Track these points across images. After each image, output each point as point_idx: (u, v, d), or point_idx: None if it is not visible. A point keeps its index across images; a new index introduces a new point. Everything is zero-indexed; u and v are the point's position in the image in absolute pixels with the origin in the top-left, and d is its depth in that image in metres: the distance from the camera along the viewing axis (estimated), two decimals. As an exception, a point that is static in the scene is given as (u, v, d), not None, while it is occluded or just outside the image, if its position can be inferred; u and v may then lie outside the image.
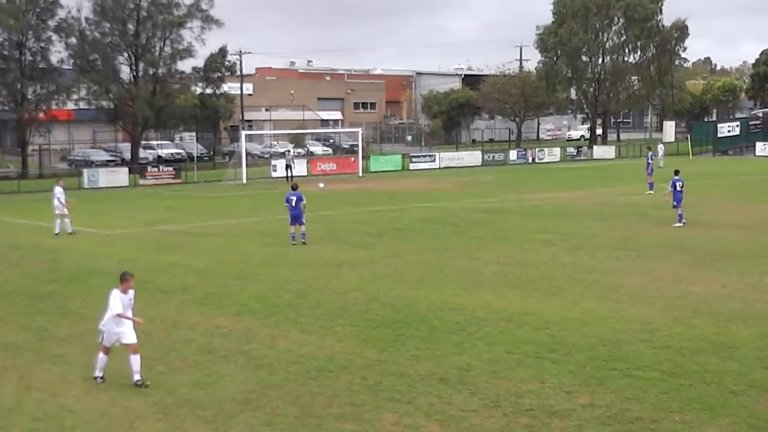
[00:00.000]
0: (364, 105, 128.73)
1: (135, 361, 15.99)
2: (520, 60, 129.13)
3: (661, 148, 78.22)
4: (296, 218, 33.27)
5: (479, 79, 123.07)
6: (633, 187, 54.08)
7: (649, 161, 53.88)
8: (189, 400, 15.22)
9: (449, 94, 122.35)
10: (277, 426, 13.95)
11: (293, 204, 33.22)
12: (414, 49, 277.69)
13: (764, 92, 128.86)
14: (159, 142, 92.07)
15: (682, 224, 36.41)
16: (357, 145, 78.10)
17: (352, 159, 76.43)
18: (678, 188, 37.27)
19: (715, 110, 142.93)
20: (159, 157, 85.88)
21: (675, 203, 37.32)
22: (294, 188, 34.31)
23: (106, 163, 79.22)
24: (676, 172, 38.36)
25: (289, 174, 66.05)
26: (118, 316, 16.07)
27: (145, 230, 38.50)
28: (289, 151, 71.87)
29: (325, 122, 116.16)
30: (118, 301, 16.07)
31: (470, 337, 19.11)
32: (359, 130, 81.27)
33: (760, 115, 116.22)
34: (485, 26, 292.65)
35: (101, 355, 16.32)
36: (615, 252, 30.62)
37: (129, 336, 16.11)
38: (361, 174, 71.78)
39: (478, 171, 77.06)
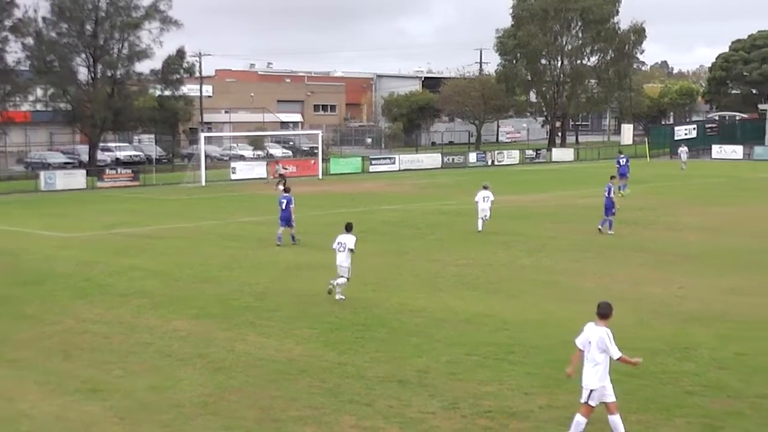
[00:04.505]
0: (324, 107, 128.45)
1: None
2: (480, 63, 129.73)
3: (684, 151, 78.68)
4: (285, 220, 33.44)
5: (439, 81, 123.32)
6: (592, 189, 54.36)
7: (619, 164, 54.25)
8: (146, 404, 15.12)
9: (409, 97, 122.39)
10: (235, 430, 13.89)
11: (283, 206, 33.40)
12: (374, 52, 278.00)
13: (720, 96, 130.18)
14: (117, 145, 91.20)
15: (600, 228, 35.82)
16: (317, 148, 77.95)
17: (312, 161, 76.29)
18: (608, 194, 36.04)
19: (672, 113, 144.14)
20: (117, 159, 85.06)
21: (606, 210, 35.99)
22: (287, 191, 34.63)
23: (63, 166, 78.33)
24: (612, 178, 37.56)
25: (284, 179, 65.39)
26: None
27: (103, 233, 38.20)
28: (278, 162, 71.79)
29: (284, 124, 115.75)
30: None
31: (429, 339, 19.14)
32: (319, 132, 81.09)
33: (716, 118, 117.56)
34: (445, 29, 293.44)
35: None
36: (574, 254, 30.80)
37: None
38: (321, 176, 71.66)
39: (438, 173, 77.20)
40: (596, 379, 12.78)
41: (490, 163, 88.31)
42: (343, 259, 23.36)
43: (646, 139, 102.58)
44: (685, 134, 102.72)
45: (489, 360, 17.41)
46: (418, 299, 23.21)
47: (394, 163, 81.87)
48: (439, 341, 18.94)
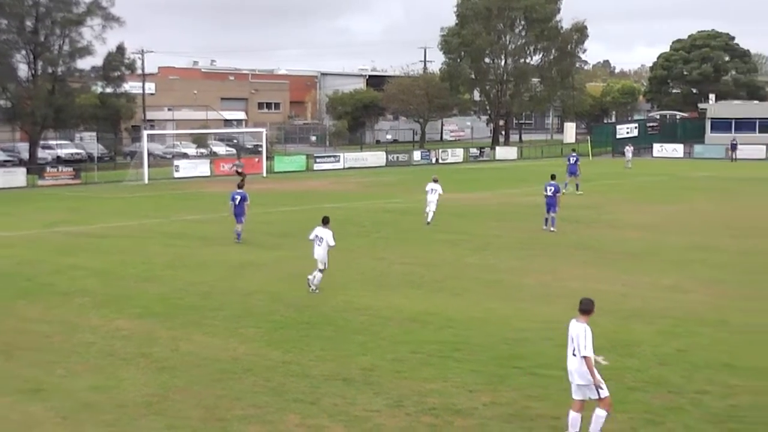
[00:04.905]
0: (269, 105, 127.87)
1: None
2: (424, 61, 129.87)
3: (629, 150, 79.71)
4: (238, 216, 33.58)
5: (384, 80, 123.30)
6: (536, 187, 54.72)
7: (569, 161, 54.74)
8: (89, 404, 14.98)
9: (354, 95, 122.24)
10: (179, 429, 13.81)
11: (237, 202, 33.46)
12: (318, 50, 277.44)
13: (661, 95, 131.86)
14: (58, 142, 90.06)
15: (544, 228, 35.96)
16: (261, 146, 77.66)
17: (256, 159, 75.96)
18: (547, 192, 36.30)
19: (614, 112, 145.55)
20: (58, 157, 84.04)
21: (548, 208, 36.31)
22: (239, 186, 34.55)
23: (2, 164, 77.19)
24: (553, 177, 37.61)
25: (243, 175, 64.93)
26: None
27: (44, 232, 37.74)
28: (238, 159, 71.08)
29: (228, 122, 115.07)
30: None
31: (374, 337, 19.18)
32: (263, 130, 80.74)
33: (657, 117, 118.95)
34: (389, 27, 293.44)
35: None
36: (518, 252, 31.02)
37: None
38: (265, 174, 71.35)
39: (382, 172, 77.26)
40: (578, 375, 12.85)
41: (434, 161, 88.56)
42: (320, 252, 23.93)
43: (589, 137, 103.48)
44: (627, 133, 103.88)
45: (434, 358, 17.48)
46: (363, 297, 23.24)
47: (338, 161, 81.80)
48: (384, 339, 18.98)
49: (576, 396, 12.98)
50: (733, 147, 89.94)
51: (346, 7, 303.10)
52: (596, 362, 13.04)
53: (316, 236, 24.03)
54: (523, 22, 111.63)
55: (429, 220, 37.89)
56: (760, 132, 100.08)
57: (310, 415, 14.27)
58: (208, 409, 14.64)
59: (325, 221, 24.38)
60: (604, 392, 12.86)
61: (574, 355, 12.89)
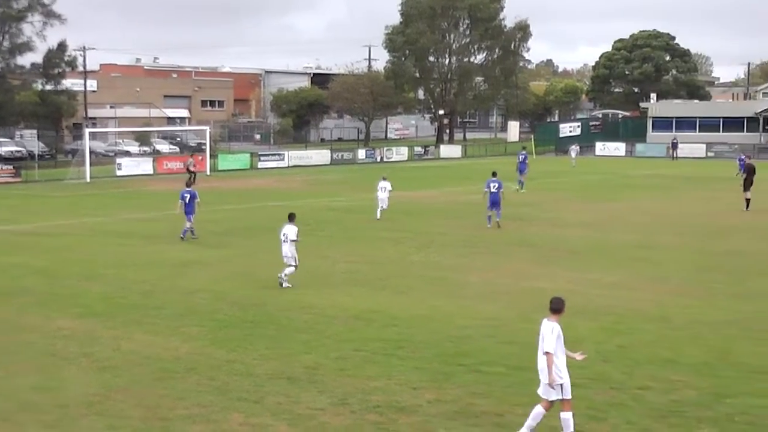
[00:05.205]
0: (212, 103, 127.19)
1: None
2: (369, 59, 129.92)
3: (575, 149, 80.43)
4: (188, 214, 33.54)
5: (328, 78, 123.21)
6: (480, 185, 54.92)
7: (519, 159, 55.14)
8: (30, 404, 14.77)
9: (298, 93, 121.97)
10: (121, 429, 13.67)
11: (187, 201, 33.45)
12: (263, 48, 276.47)
13: (604, 94, 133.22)
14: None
15: (489, 226, 36.28)
16: (204, 144, 77.23)
17: (200, 157, 75.46)
18: (492, 189, 36.42)
19: (557, 111, 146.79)
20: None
21: (491, 206, 36.53)
22: (188, 185, 34.64)
23: (-59, 162, 76.13)
24: (494, 174, 37.64)
25: (192, 173, 64.35)
26: None
27: (-17, 230, 37.19)
28: (190, 156, 70.49)
29: (171, 120, 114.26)
30: None
31: (319, 335, 19.13)
32: (207, 128, 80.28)
33: (600, 116, 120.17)
34: (333, 26, 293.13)
35: None
36: (462, 249, 31.13)
37: None
38: (209, 173, 70.94)
39: (327, 170, 77.19)
40: (561, 372, 12.87)
41: (378, 159, 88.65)
42: (287, 250, 24.17)
43: (532, 136, 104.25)
44: (570, 132, 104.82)
45: (378, 356, 17.48)
46: (307, 296, 23.17)
47: (283, 159, 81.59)
48: (329, 338, 18.94)
49: (568, 395, 12.94)
50: (674, 146, 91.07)
51: (291, 4, 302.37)
52: (572, 358, 13.18)
53: (284, 234, 24.28)
54: (467, 21, 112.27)
55: (378, 216, 38.91)
56: (700, 131, 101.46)
57: (253, 414, 14.19)
58: (150, 408, 14.50)
59: (291, 218, 24.63)
60: (567, 393, 12.92)
61: (555, 354, 12.95)
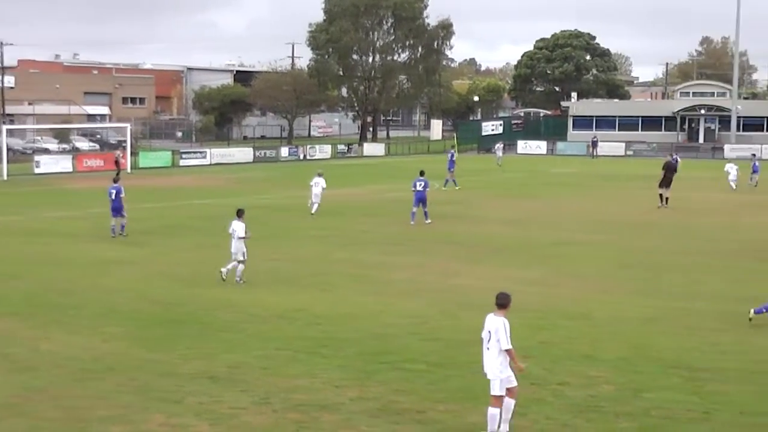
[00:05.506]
0: (133, 100, 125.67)
1: None
2: (292, 57, 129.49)
3: (500, 148, 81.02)
4: (116, 210, 33.33)
5: (251, 75, 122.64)
6: (403, 184, 55.09)
7: (451, 158, 55.70)
8: (-56, 408, 14.47)
9: (221, 90, 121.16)
10: (40, 431, 13.45)
11: (113, 197, 33.20)
12: (185, 45, 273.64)
13: (525, 93, 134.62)
14: None
15: (413, 223, 36.62)
16: (125, 141, 76.35)
17: (121, 155, 74.57)
18: (418, 188, 36.83)
19: (480, 109, 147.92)
20: None
21: (416, 203, 36.90)
22: (115, 181, 34.43)
23: None
24: (422, 173, 37.90)
25: (118, 169, 63.41)
26: None
27: None
28: (118, 149, 69.40)
29: (91, 117, 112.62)
30: None
31: (241, 334, 19.04)
32: (128, 125, 79.36)
33: (522, 114, 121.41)
34: (257, 23, 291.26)
35: None
36: (386, 247, 31.23)
37: None
38: (129, 170, 70.12)
39: (250, 168, 76.80)
40: (501, 368, 12.94)
41: (302, 157, 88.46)
42: (235, 245, 24.45)
43: (455, 134, 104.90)
44: (492, 130, 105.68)
45: (301, 354, 17.45)
46: (230, 294, 23.05)
47: (205, 157, 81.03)
48: (252, 336, 18.86)
49: (498, 392, 13.02)
50: (594, 144, 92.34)
51: (212, 1, 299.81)
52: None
53: (233, 229, 24.58)
54: (391, 20, 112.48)
55: (313, 211, 39.46)
56: (619, 129, 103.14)
57: (175, 414, 14.07)
58: (69, 410, 14.29)
59: (239, 214, 24.83)
60: (515, 382, 13.08)
61: (488, 348, 13.01)
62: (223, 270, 24.59)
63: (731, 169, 54.13)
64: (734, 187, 52.73)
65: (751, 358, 17.46)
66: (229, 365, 16.66)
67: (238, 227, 24.48)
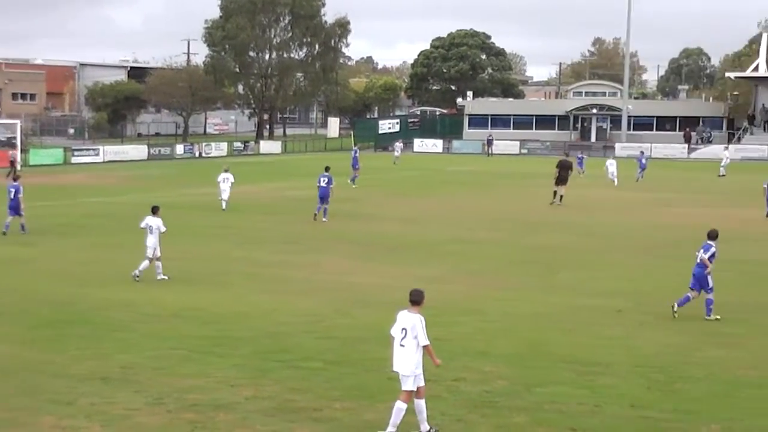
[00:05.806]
0: (23, 96, 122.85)
1: None
2: (188, 54, 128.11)
3: (399, 147, 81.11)
4: (14, 209, 33.15)
5: (146, 71, 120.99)
6: (300, 181, 54.99)
7: (354, 155, 56.85)
8: None
9: (114, 87, 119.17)
10: (-76, 436, 13.09)
11: (12, 195, 33.07)
12: (78, 40, 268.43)
13: (422, 91, 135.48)
14: None
15: (315, 220, 36.94)
16: (15, 138, 74.65)
17: (10, 152, 72.89)
18: (322, 183, 37.09)
19: (377, 108, 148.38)
20: None
21: (321, 200, 37.21)
22: (15, 179, 34.37)
23: None
24: (327, 168, 38.23)
25: (15, 168, 61.62)
26: None
27: None
28: (14, 148, 67.59)
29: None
30: None
31: (135, 334, 18.78)
32: (17, 122, 77.64)
33: (418, 113, 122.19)
34: (151, 19, 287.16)
35: None
36: (283, 245, 31.15)
37: None
38: (20, 168, 68.55)
39: (144, 165, 75.83)
40: (413, 365, 12.94)
41: (197, 155, 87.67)
42: (152, 240, 24.47)
43: (352, 132, 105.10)
44: (389, 128, 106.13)
45: (195, 353, 17.29)
46: (124, 294, 22.72)
47: (98, 154, 79.73)
48: (145, 336, 18.62)
49: (411, 387, 13.04)
50: (489, 142, 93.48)
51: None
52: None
53: (148, 225, 24.57)
54: (288, 17, 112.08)
55: (224, 207, 40.14)
56: (514, 128, 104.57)
57: (66, 416, 13.81)
58: (-44, 413, 13.93)
59: (155, 210, 24.94)
60: (423, 381, 13.16)
61: (402, 345, 13.02)
62: (136, 272, 24.28)
63: (610, 165, 58.13)
64: (615, 182, 55.73)
65: (641, 352, 17.88)
66: (122, 365, 16.42)
67: (155, 222, 24.50)
